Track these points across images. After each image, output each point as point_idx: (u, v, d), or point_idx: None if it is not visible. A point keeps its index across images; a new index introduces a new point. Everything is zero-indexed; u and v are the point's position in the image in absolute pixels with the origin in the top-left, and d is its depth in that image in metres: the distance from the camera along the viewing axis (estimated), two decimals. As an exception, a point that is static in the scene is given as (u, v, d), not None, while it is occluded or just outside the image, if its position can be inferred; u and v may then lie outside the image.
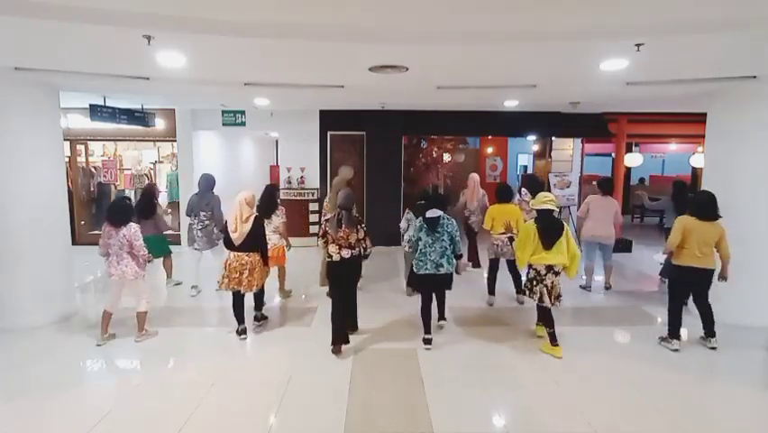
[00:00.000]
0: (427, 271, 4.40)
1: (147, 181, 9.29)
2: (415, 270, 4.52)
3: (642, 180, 13.68)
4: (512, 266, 5.60)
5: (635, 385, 3.75)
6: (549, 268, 4.22)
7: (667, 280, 4.98)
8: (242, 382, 3.83)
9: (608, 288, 6.32)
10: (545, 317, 4.33)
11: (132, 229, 4.34)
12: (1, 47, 3.75)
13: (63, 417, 3.29)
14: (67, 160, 8.17)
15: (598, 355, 4.33)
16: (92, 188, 9.35)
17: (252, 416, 3.33)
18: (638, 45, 3.41)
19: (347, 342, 4.42)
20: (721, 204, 4.66)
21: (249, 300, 4.81)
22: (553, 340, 4.29)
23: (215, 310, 5.49)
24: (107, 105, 6.58)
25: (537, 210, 4.31)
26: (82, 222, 9.09)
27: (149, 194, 6.28)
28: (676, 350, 4.36)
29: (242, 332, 4.66)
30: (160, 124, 8.48)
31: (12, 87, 4.65)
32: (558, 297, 4.25)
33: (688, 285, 4.45)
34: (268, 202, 5.39)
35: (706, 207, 4.21)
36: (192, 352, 4.43)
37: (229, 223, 4.48)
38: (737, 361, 4.28)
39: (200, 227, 5.88)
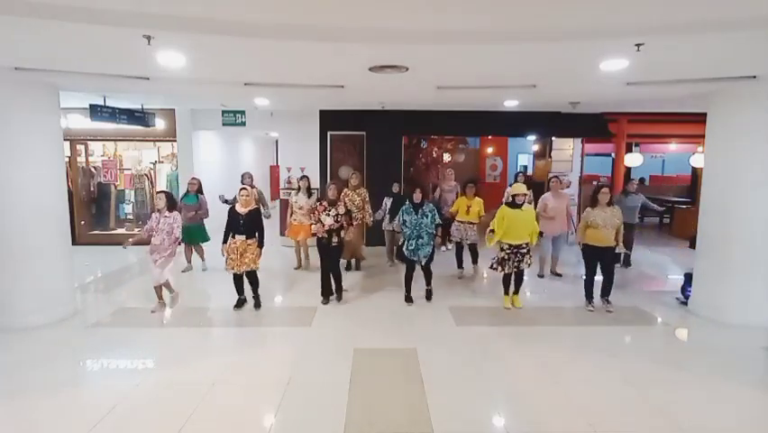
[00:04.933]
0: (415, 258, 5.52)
1: (147, 181, 9.35)
2: (406, 253, 5.55)
3: (642, 180, 13.67)
4: (460, 247, 6.87)
5: (635, 385, 3.75)
6: (520, 245, 5.33)
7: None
8: (242, 382, 3.83)
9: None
10: (519, 280, 5.50)
11: (174, 215, 5.32)
12: (1, 47, 3.74)
13: (63, 417, 3.29)
14: (67, 160, 8.16)
15: (598, 355, 4.34)
16: (92, 188, 9.33)
17: (252, 416, 3.34)
18: (638, 45, 3.40)
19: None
20: (721, 203, 5.18)
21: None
22: (509, 292, 5.54)
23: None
24: (107, 105, 6.58)
25: (512, 196, 5.33)
26: (82, 222, 9.06)
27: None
28: (591, 310, 5.42)
29: (239, 303, 5.42)
30: (160, 124, 8.47)
31: (12, 87, 4.64)
32: (530, 262, 5.43)
33: (594, 259, 5.40)
34: (309, 187, 7.08)
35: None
36: (192, 351, 4.43)
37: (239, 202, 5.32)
38: (737, 361, 4.28)
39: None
